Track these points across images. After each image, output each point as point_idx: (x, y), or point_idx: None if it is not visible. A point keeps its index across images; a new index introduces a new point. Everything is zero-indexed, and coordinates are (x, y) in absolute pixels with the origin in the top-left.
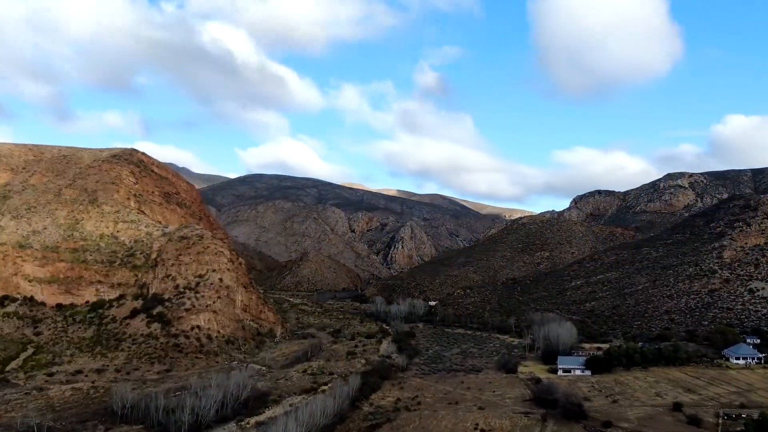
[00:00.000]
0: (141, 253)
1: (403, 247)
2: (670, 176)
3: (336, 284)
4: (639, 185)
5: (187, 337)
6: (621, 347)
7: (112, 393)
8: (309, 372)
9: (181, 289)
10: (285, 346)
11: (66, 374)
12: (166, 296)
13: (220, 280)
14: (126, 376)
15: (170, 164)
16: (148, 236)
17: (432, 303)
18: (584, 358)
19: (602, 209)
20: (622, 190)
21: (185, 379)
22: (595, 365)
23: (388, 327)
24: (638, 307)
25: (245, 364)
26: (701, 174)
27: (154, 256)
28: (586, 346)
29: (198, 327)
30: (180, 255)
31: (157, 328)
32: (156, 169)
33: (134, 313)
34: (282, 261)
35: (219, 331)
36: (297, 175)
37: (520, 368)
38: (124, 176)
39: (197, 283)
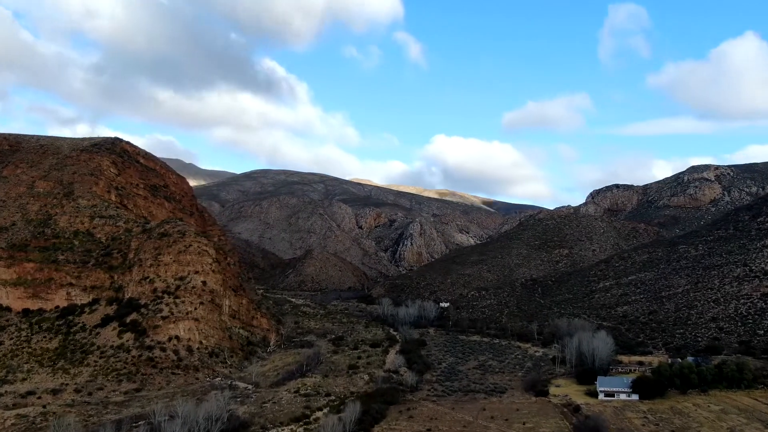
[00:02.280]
0: (118, 252)
1: (412, 243)
2: (694, 169)
3: (341, 283)
4: (661, 179)
5: (164, 350)
6: (673, 365)
7: (50, 426)
8: (302, 392)
9: (159, 294)
10: (279, 357)
11: (15, 395)
12: (143, 301)
13: (203, 283)
14: (86, 397)
15: (177, 159)
16: (127, 233)
17: (443, 305)
18: (630, 378)
19: (620, 204)
20: (641, 183)
21: (154, 402)
22: (644, 388)
23: (395, 333)
24: (679, 313)
25: (229, 382)
26: (727, 167)
27: (131, 255)
28: (624, 359)
29: (176, 338)
30: (159, 254)
31: (129, 339)
32: (142, 160)
33: (106, 321)
34: (286, 258)
35: (201, 342)
36: (304, 170)
37: (552, 389)
38: (105, 167)
39: (177, 287)
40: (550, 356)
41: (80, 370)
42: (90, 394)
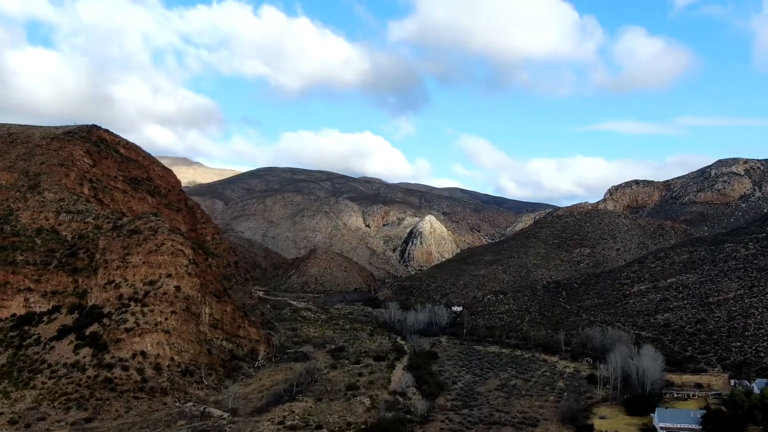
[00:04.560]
0: (85, 253)
1: (422, 243)
2: (722, 162)
3: (347, 284)
4: (685, 173)
5: (125, 369)
6: (751, 394)
7: None
8: (288, 423)
9: (125, 301)
10: (267, 373)
11: None
12: (107, 310)
13: (177, 288)
14: (23, 430)
15: (184, 158)
16: (96, 231)
17: (456, 308)
18: (698, 411)
19: (641, 201)
20: (662, 179)
21: None
22: (717, 425)
23: (403, 342)
24: (733, 322)
25: (202, 408)
26: (758, 160)
27: (98, 256)
28: (674, 379)
29: (142, 353)
30: (127, 254)
31: (86, 355)
32: (122, 150)
33: (62, 333)
34: (289, 258)
35: (172, 359)
36: (311, 168)
37: (596, 422)
38: (78, 157)
39: (146, 293)
40: (584, 373)
41: (23, 394)
42: (28, 426)
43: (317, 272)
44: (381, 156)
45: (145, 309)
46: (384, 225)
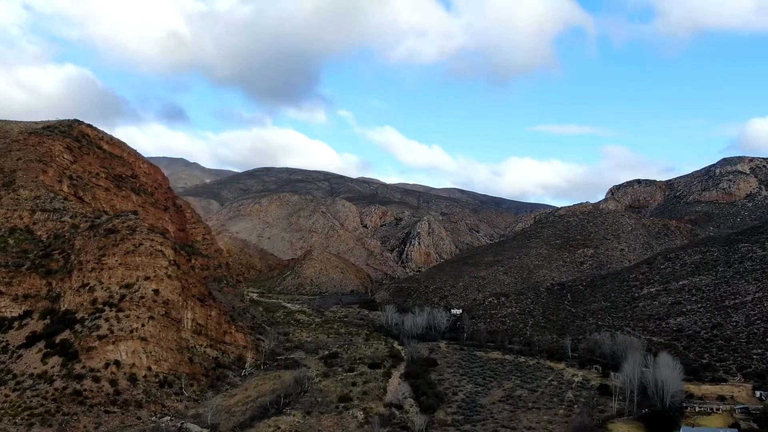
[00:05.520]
0: (60, 253)
1: (420, 243)
2: (727, 161)
3: (343, 286)
4: (690, 172)
5: (97, 380)
6: None
7: None
8: None
9: (100, 305)
10: (255, 382)
11: None
12: (80, 315)
13: (155, 292)
14: None
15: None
16: (73, 230)
17: (455, 311)
18: (729, 431)
19: (643, 200)
20: (665, 178)
21: None
22: None
23: (400, 348)
24: (753, 327)
25: (179, 424)
26: (764, 159)
27: (74, 257)
28: (693, 389)
29: (116, 363)
30: (103, 255)
31: (56, 365)
32: (105, 146)
33: (31, 341)
34: (285, 259)
35: (149, 368)
36: (308, 168)
37: None
38: (57, 153)
39: (122, 297)
40: (594, 383)
41: None
42: None
43: (313, 273)
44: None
45: (121, 314)
46: (381, 225)
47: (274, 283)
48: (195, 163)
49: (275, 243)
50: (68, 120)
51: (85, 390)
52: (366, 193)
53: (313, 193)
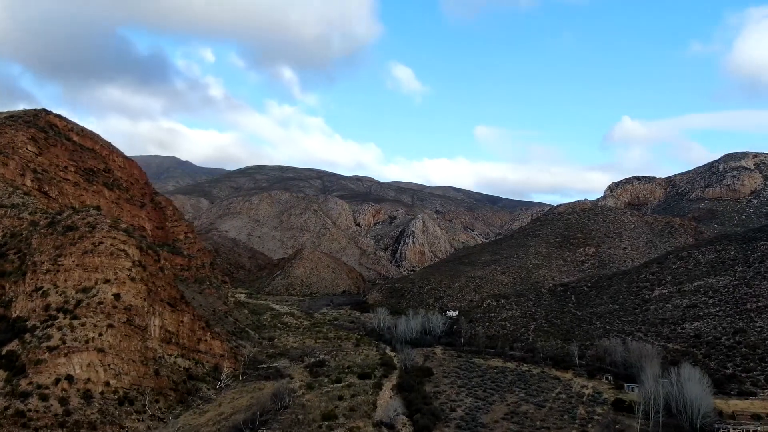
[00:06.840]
0: (15, 253)
1: (414, 242)
2: (730, 157)
3: (334, 286)
4: (691, 168)
5: (44, 398)
6: None
7: None
8: None
9: (53, 312)
10: (230, 396)
11: None
12: (31, 323)
13: (116, 296)
14: None
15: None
16: (31, 228)
17: (451, 313)
18: None
19: (642, 198)
20: (665, 175)
21: None
22: None
23: (393, 354)
24: None
25: None
26: (767, 154)
27: (29, 257)
28: (722, 406)
29: (68, 378)
30: (59, 256)
31: None
32: (76, 138)
33: None
34: (275, 259)
35: (108, 383)
36: (300, 166)
37: None
38: (20, 144)
39: (78, 302)
40: (606, 396)
41: None
42: None
43: (303, 273)
44: None
45: (75, 322)
46: (375, 224)
47: (263, 284)
48: (188, 162)
49: (265, 242)
50: (34, 109)
51: (29, 410)
52: (359, 191)
53: (306, 191)
